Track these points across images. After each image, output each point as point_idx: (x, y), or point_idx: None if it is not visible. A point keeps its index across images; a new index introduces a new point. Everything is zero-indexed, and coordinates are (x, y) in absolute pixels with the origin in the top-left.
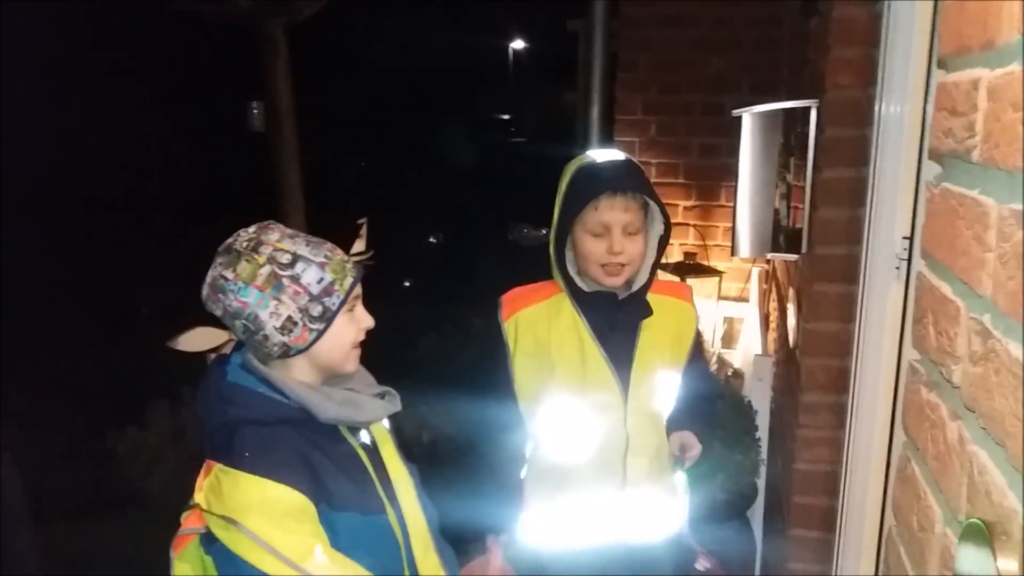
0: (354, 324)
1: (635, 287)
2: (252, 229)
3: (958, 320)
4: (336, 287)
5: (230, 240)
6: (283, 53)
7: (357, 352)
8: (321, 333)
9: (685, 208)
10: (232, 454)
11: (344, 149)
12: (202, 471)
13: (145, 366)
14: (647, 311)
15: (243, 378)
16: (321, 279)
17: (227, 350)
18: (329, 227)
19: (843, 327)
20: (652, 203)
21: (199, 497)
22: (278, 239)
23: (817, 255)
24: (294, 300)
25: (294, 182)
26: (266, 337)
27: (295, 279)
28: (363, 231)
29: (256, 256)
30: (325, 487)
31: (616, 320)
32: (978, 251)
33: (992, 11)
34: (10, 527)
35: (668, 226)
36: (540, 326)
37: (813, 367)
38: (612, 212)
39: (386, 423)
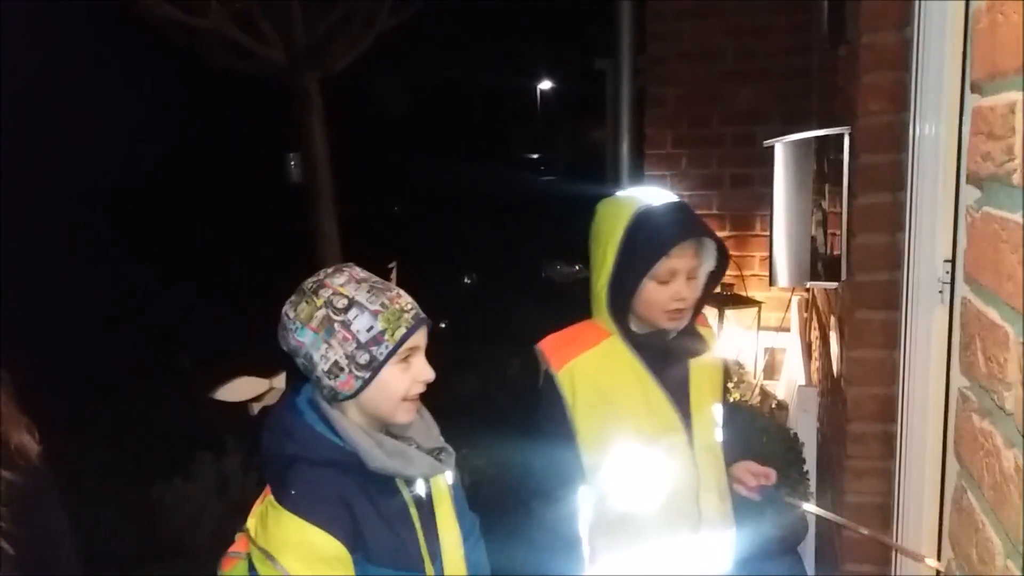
0: (407, 376)
1: (684, 323)
2: (329, 269)
3: (1007, 345)
4: (386, 337)
5: (310, 279)
6: (318, 106)
7: (411, 404)
8: (367, 382)
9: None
10: (282, 490)
11: (378, 194)
12: (261, 495)
13: (188, 417)
14: (702, 346)
15: (307, 413)
16: (371, 327)
17: (270, 401)
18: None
19: (888, 354)
20: (714, 243)
21: (251, 523)
22: (343, 283)
23: (857, 282)
24: (342, 346)
25: (330, 230)
26: (318, 378)
27: (346, 325)
28: (393, 275)
29: (316, 298)
30: (363, 538)
31: (669, 358)
32: None
33: None
34: None
35: (725, 263)
36: (599, 374)
37: (859, 396)
38: (682, 260)
39: (449, 478)
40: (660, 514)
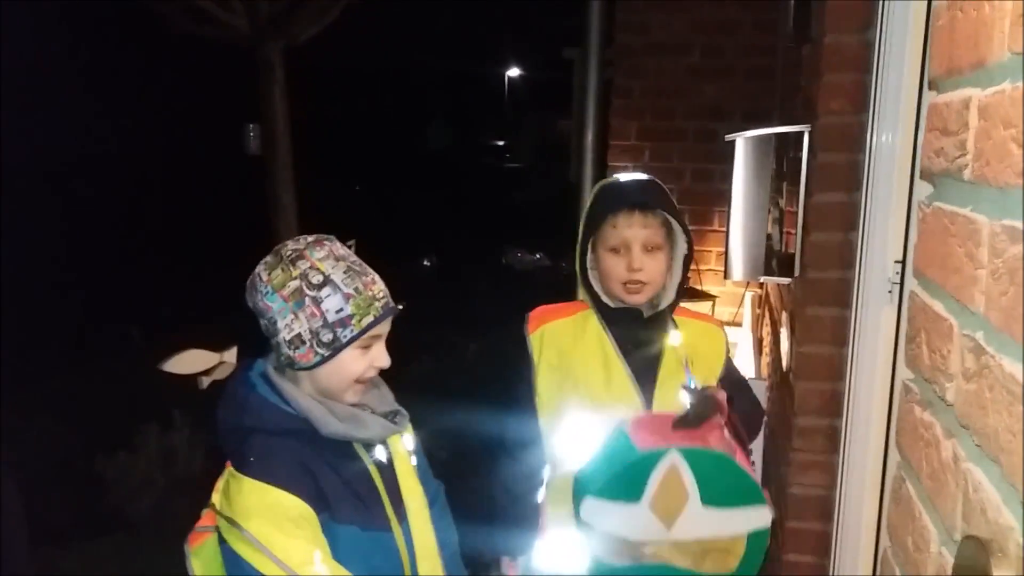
0: (364, 360)
1: (660, 306)
2: (309, 239)
3: (951, 338)
4: (353, 321)
5: (283, 244)
6: (280, 77)
7: (360, 386)
8: (325, 359)
9: None
10: (240, 459)
11: (339, 171)
12: (223, 471)
13: (135, 389)
14: (669, 329)
15: (260, 386)
16: (341, 309)
17: (220, 375)
18: None
19: (836, 351)
20: (675, 222)
21: (215, 497)
22: (322, 258)
23: (810, 279)
24: (309, 320)
25: (288, 203)
26: (278, 344)
27: (316, 301)
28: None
29: (292, 268)
30: (326, 498)
31: (640, 338)
32: (970, 268)
33: (983, 31)
34: (7, 552)
35: (691, 245)
36: (565, 340)
37: (807, 391)
38: (630, 229)
39: (409, 443)
40: None
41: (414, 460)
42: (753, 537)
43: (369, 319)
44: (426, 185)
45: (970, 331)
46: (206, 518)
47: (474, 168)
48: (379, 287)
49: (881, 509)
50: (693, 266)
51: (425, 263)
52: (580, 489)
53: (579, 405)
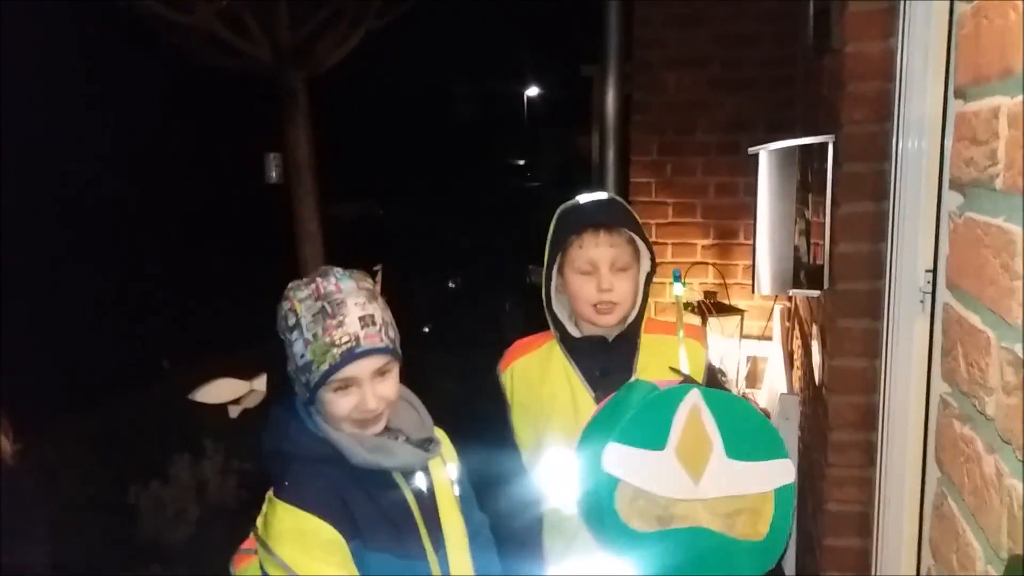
0: (347, 403)
1: (625, 327)
2: (314, 273)
3: (989, 351)
4: (313, 368)
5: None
6: (303, 105)
7: (362, 423)
8: (309, 400)
9: (703, 247)
10: (278, 484)
11: (362, 196)
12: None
13: (167, 420)
14: (637, 350)
15: (302, 411)
16: (303, 356)
17: (250, 403)
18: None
19: (869, 363)
20: (640, 241)
21: (259, 520)
22: (302, 298)
23: (840, 291)
24: (288, 363)
25: (314, 231)
26: None
27: (289, 344)
28: (378, 278)
29: (281, 307)
30: (358, 526)
31: (607, 365)
32: (1006, 279)
33: (1009, 40)
34: None
35: (653, 262)
36: (533, 376)
37: (840, 405)
38: (597, 248)
39: (453, 472)
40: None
41: (456, 490)
42: (780, 496)
43: (324, 368)
44: (449, 207)
45: (1009, 344)
46: (250, 540)
47: (496, 187)
48: (344, 331)
49: (921, 525)
50: (720, 280)
51: (450, 285)
52: (596, 434)
53: (553, 440)
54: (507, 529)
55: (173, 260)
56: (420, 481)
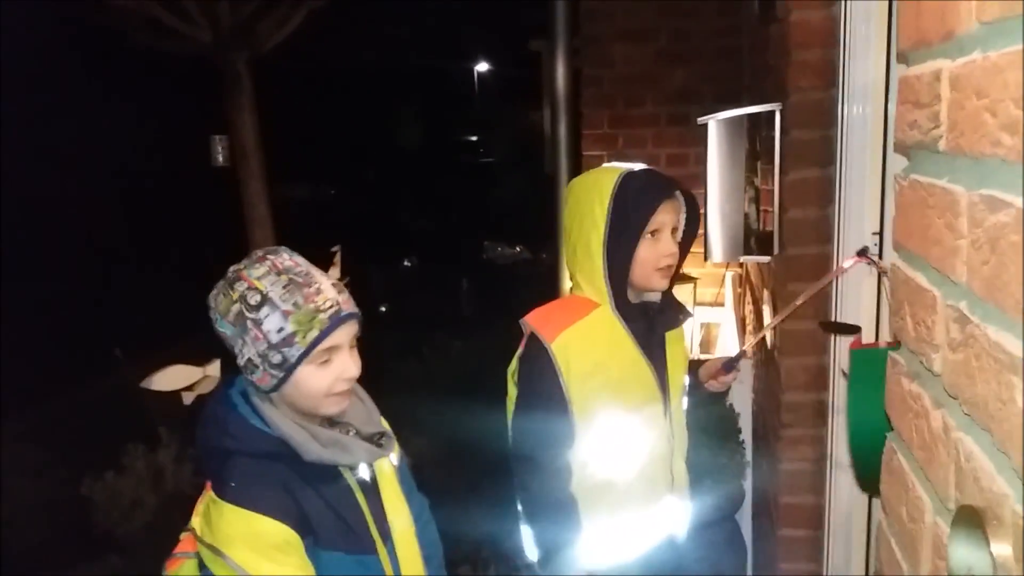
0: (328, 373)
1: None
2: (257, 254)
3: (935, 309)
4: (296, 339)
5: (238, 264)
6: (247, 87)
7: (337, 398)
8: (282, 380)
9: None
10: (222, 484)
11: (311, 177)
12: (203, 493)
13: (120, 409)
14: (684, 315)
15: (241, 405)
16: (281, 328)
17: (203, 389)
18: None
19: (818, 326)
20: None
21: (195, 521)
22: (260, 275)
23: (789, 256)
24: (254, 345)
25: (263, 214)
26: (241, 368)
27: (257, 323)
28: (337, 258)
29: (231, 292)
30: (310, 523)
31: (652, 328)
32: (951, 239)
33: (949, 3)
34: None
35: (697, 225)
36: (591, 344)
37: (792, 367)
38: (667, 215)
39: (394, 459)
40: (638, 480)
41: (398, 476)
42: None
43: (314, 334)
44: (402, 185)
45: (954, 301)
46: (185, 543)
47: (448, 165)
48: (325, 296)
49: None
50: None
51: (406, 263)
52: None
53: (613, 405)
54: (547, 496)
55: (122, 246)
56: (363, 472)
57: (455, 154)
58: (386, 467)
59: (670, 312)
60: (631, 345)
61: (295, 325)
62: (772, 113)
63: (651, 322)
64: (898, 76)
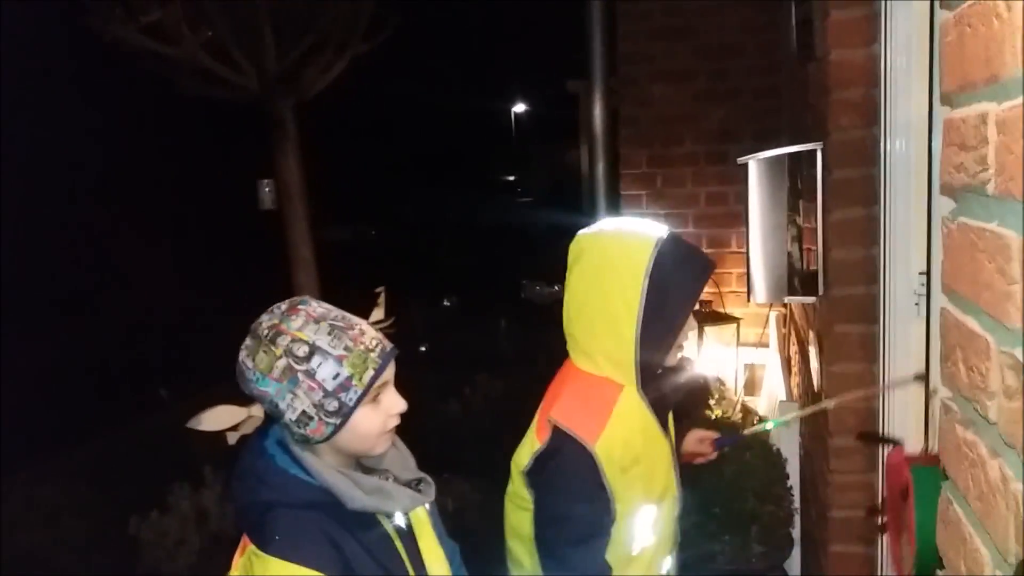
0: (380, 412)
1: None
2: (283, 308)
3: (988, 355)
4: (354, 382)
5: (258, 321)
6: (292, 132)
7: (386, 436)
8: (338, 428)
9: None
10: (263, 537)
11: (352, 219)
12: (239, 547)
13: (165, 449)
14: (689, 374)
15: (279, 456)
16: (337, 375)
17: (247, 429)
18: (344, 297)
19: (866, 367)
20: None
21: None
22: (300, 326)
23: (834, 296)
24: (308, 396)
25: (307, 256)
26: (287, 424)
27: (310, 375)
28: (381, 299)
29: (273, 348)
30: (354, 574)
31: (665, 398)
32: (1002, 284)
33: (994, 47)
34: None
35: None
36: (632, 436)
37: (840, 410)
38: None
39: (427, 505)
40: (656, 546)
41: (432, 520)
42: None
43: (370, 374)
44: (441, 226)
45: (1008, 348)
46: None
47: (487, 205)
48: (370, 336)
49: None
50: (715, 289)
51: (446, 303)
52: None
53: (648, 490)
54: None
55: (168, 288)
56: (399, 519)
57: (493, 193)
58: (421, 513)
59: (671, 375)
60: (655, 425)
61: (351, 368)
62: (813, 152)
63: (661, 392)
64: (943, 118)
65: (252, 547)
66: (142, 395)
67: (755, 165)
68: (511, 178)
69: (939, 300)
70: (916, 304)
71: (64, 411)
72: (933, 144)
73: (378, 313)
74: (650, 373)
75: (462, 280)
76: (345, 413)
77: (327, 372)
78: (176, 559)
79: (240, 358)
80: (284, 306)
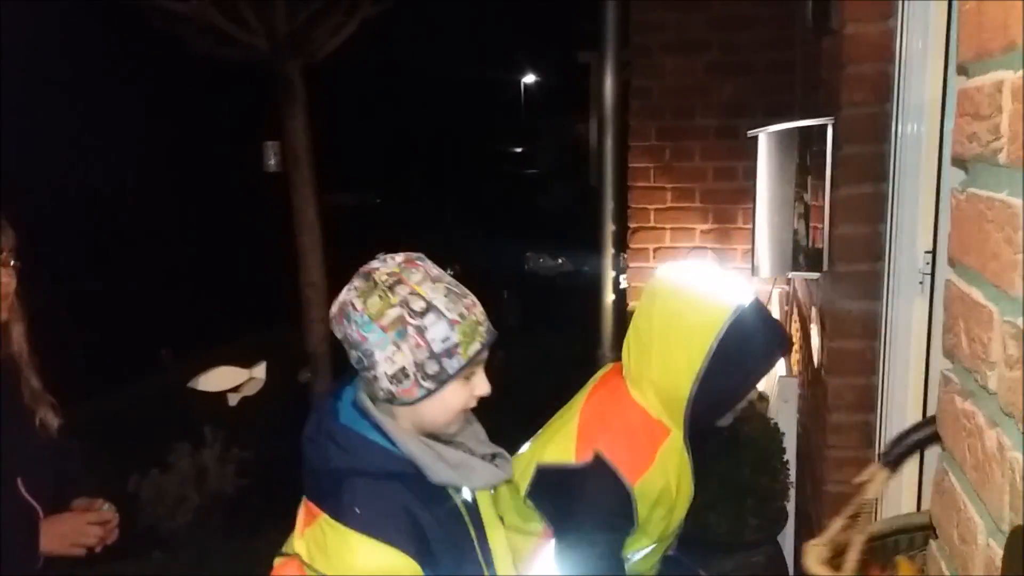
0: (467, 390)
1: None
2: (398, 260)
3: (991, 325)
4: (459, 350)
5: (373, 265)
6: (300, 94)
7: (463, 415)
8: (431, 392)
9: (702, 231)
10: (340, 507)
11: (358, 184)
12: (302, 514)
13: (167, 409)
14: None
15: (356, 421)
16: (447, 338)
17: (249, 391)
18: (347, 262)
19: (868, 344)
20: None
21: (300, 547)
22: (419, 281)
23: (839, 273)
24: (413, 352)
25: (312, 219)
26: (376, 378)
27: (420, 331)
28: None
29: (390, 295)
30: (431, 551)
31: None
32: (1009, 253)
33: (1012, 13)
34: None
35: None
36: (667, 479)
37: (840, 386)
38: None
39: None
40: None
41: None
42: None
43: (476, 347)
44: (446, 194)
45: (1011, 317)
46: (286, 566)
47: (493, 176)
48: (479, 309)
49: (919, 504)
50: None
51: (448, 272)
52: None
53: (673, 518)
54: None
55: (171, 249)
56: (466, 493)
57: (500, 164)
58: (485, 490)
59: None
60: (690, 469)
61: (460, 336)
62: (824, 127)
63: (704, 440)
64: (957, 88)
65: (325, 516)
66: (144, 355)
67: (765, 138)
68: (518, 149)
69: (944, 276)
70: (920, 283)
71: (65, 371)
72: (945, 124)
73: None
74: (698, 428)
75: (466, 249)
76: (442, 380)
77: (437, 333)
78: (175, 517)
79: (344, 298)
80: (399, 258)
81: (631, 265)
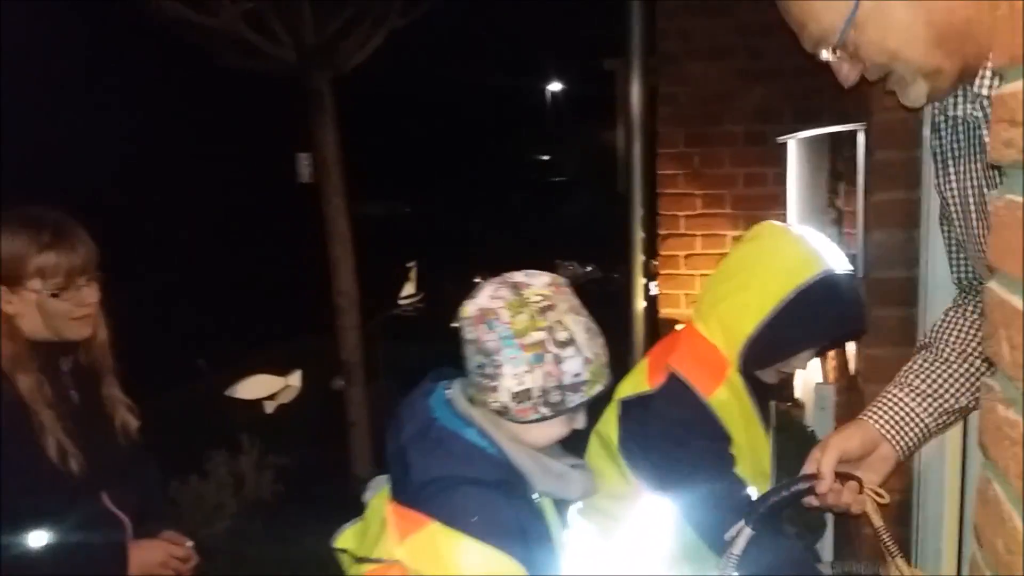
0: (569, 423)
1: None
2: (545, 280)
3: None
4: (584, 388)
5: (519, 279)
6: (330, 105)
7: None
8: (543, 419)
9: (733, 238)
10: (454, 514)
11: (387, 194)
12: (396, 520)
13: (204, 416)
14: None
15: (459, 426)
16: (578, 374)
17: (284, 399)
18: (379, 272)
19: (905, 351)
20: None
21: (399, 553)
22: (566, 311)
23: (874, 279)
24: (544, 378)
25: (344, 230)
26: (495, 389)
27: (558, 360)
28: (412, 274)
29: (539, 319)
30: (535, 560)
31: (764, 404)
32: None
33: None
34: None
35: None
36: (732, 408)
37: (876, 394)
38: None
39: None
40: None
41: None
42: None
43: (598, 388)
44: (475, 203)
45: None
46: (391, 569)
47: (521, 184)
48: (606, 352)
49: (962, 512)
50: None
51: (476, 281)
52: None
53: (749, 467)
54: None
55: (208, 259)
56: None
57: (528, 172)
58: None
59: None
60: (753, 408)
61: (589, 374)
62: (855, 133)
63: (763, 397)
64: (992, 94)
65: (437, 524)
66: (181, 364)
67: (795, 145)
68: (545, 157)
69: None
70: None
71: None
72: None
73: (409, 288)
74: (746, 370)
75: (495, 258)
76: (559, 411)
77: (572, 367)
78: (213, 523)
79: (489, 305)
80: (545, 278)
81: (661, 272)
